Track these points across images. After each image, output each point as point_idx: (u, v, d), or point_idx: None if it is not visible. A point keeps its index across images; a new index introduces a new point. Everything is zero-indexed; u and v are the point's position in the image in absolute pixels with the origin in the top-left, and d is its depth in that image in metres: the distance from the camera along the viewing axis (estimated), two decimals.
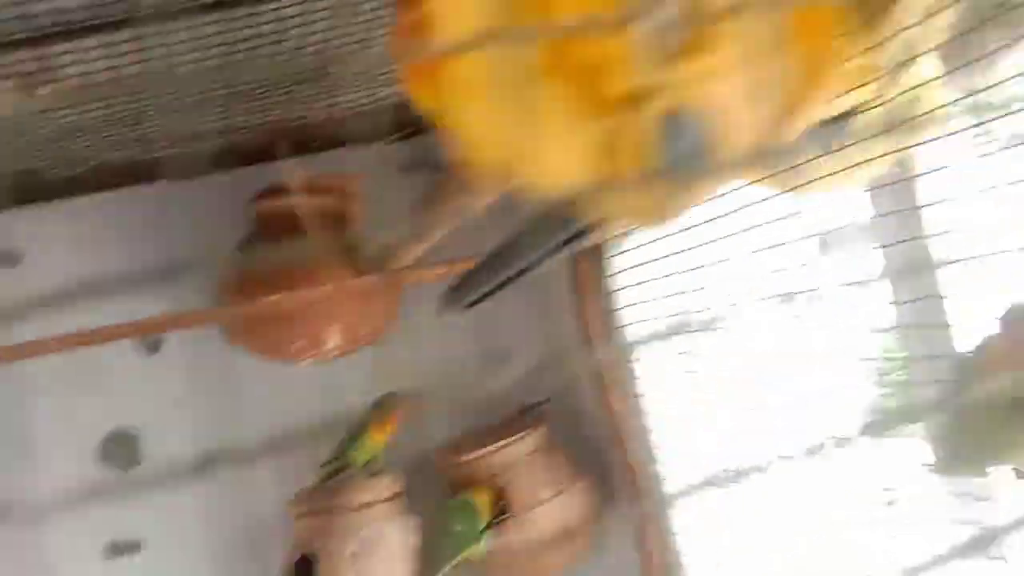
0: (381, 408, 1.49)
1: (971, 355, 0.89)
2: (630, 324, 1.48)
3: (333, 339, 1.42)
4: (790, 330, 1.20)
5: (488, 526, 1.50)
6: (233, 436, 1.59)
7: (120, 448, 1.57)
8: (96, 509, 1.52)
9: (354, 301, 1.41)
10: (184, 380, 1.59)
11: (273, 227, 1.43)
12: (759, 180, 1.20)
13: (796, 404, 1.22)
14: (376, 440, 1.48)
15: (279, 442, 1.57)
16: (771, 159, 0.28)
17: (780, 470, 1.28)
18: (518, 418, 1.65)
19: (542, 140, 0.31)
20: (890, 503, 1.14)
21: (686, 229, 1.30)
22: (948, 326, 1.12)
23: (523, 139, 0.30)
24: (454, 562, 1.46)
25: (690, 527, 1.46)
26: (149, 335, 1.53)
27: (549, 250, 0.48)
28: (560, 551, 1.55)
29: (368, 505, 1.48)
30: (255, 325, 1.43)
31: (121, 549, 1.54)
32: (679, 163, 0.31)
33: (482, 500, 1.52)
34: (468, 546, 1.47)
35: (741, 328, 1.26)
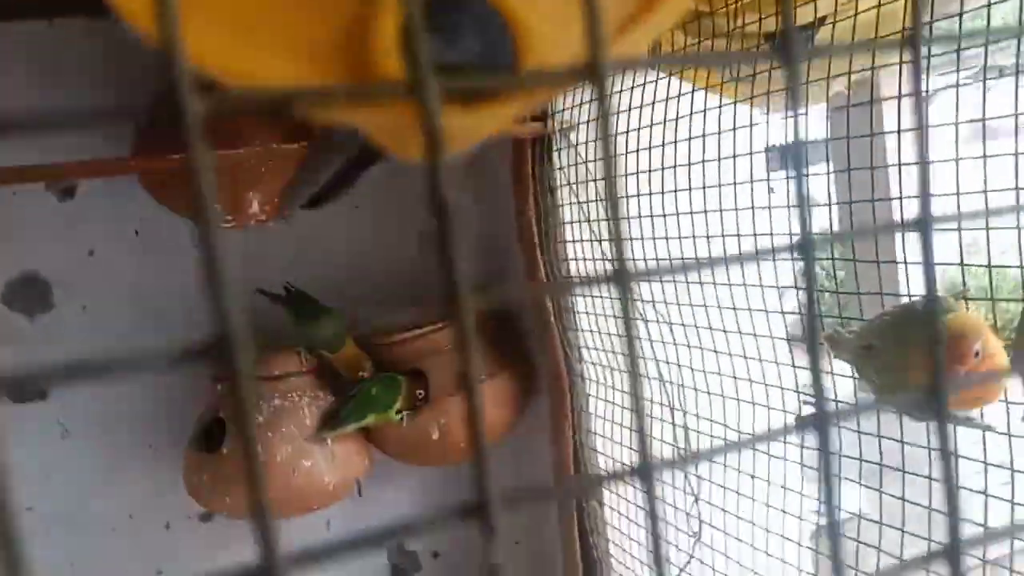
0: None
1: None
2: (568, 222, 1.43)
3: (254, 205, 1.35)
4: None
5: (405, 406, 1.50)
6: (147, 291, 1.54)
7: (29, 293, 1.51)
8: (2, 352, 1.47)
9: (278, 167, 1.33)
10: (98, 229, 1.52)
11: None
12: (716, 89, 1.13)
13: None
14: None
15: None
16: (597, 75, 0.19)
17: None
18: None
19: (254, 22, 0.22)
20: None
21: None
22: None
23: (225, 21, 0.22)
24: (361, 423, 1.46)
25: (606, 426, 1.45)
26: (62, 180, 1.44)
27: (348, 167, 0.40)
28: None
29: (282, 377, 1.45)
30: (172, 181, 1.35)
31: (28, 394, 1.50)
32: (459, 66, 0.23)
33: (404, 380, 1.50)
34: (378, 412, 1.46)
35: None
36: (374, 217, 1.64)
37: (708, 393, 1.23)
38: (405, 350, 1.51)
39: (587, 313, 1.42)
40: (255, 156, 1.27)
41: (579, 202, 1.36)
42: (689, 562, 1.32)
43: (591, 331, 1.42)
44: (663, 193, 1.18)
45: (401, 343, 1.51)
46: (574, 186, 1.35)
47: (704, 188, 1.12)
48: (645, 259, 1.28)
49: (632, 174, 1.25)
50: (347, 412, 1.47)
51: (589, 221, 1.35)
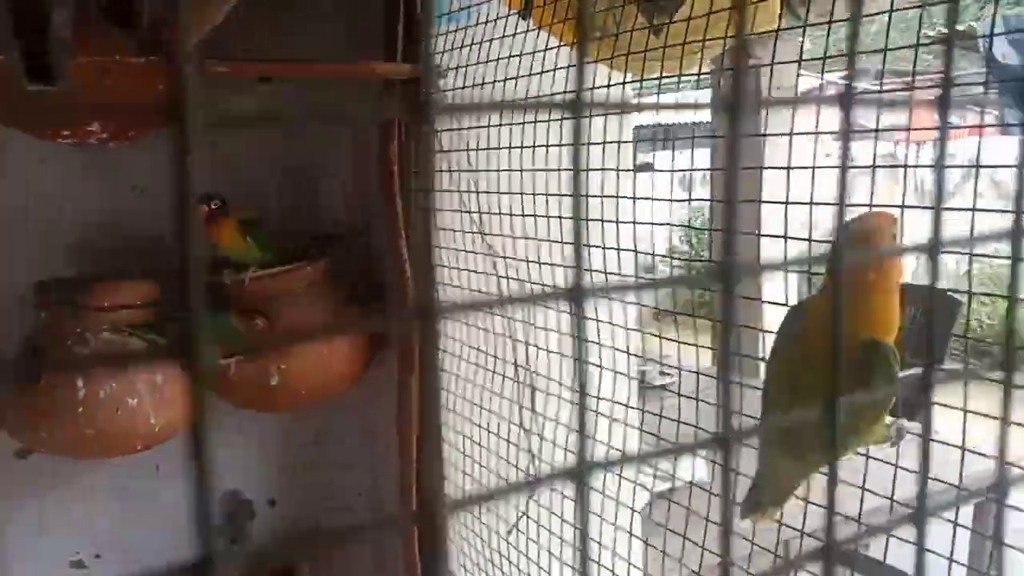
0: None
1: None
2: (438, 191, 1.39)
3: (96, 124, 1.25)
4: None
5: (240, 350, 1.43)
6: None
7: None
8: None
9: (121, 83, 1.23)
10: None
11: None
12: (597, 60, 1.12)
13: None
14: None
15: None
16: None
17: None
18: (304, 248, 1.55)
19: None
20: None
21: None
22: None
23: None
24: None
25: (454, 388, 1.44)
26: None
27: None
28: (323, 386, 1.50)
29: (114, 308, 1.36)
30: (6, 91, 1.23)
31: None
32: None
33: (239, 321, 1.43)
34: None
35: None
36: (237, 152, 1.56)
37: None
38: (252, 289, 1.44)
39: (446, 266, 1.40)
40: (95, 69, 1.17)
41: (443, 150, 1.33)
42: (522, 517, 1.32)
43: (448, 284, 1.40)
44: (522, 148, 1.17)
45: (252, 281, 1.44)
46: (440, 135, 1.32)
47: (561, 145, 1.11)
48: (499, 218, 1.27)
49: (495, 126, 1.23)
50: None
51: (450, 171, 1.32)
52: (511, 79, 1.21)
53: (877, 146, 0.90)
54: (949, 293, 2.56)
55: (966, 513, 1.81)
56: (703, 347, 1.04)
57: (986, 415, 0.69)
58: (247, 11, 1.05)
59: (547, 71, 1.14)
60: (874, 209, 0.76)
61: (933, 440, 0.77)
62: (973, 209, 0.72)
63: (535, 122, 1.15)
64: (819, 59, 1.00)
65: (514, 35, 1.21)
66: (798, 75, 1.07)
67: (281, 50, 1.39)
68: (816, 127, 0.87)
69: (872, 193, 0.79)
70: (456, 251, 1.36)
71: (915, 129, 0.80)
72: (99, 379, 1.32)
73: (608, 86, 1.10)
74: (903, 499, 0.77)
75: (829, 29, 0.93)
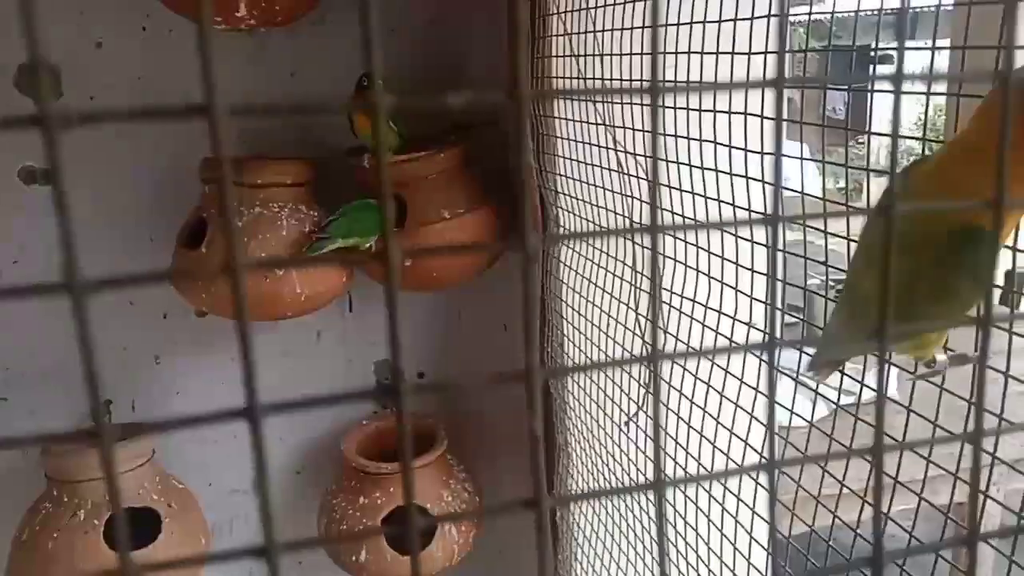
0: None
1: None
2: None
3: (242, 8, 1.34)
4: None
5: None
6: (151, 86, 1.57)
7: (37, 79, 1.56)
8: (11, 135, 1.54)
9: None
10: (109, 25, 1.56)
11: None
12: None
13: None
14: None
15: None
16: None
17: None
18: (439, 135, 1.60)
19: None
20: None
21: None
22: None
23: None
24: (334, 246, 1.49)
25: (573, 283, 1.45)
26: None
27: None
28: (445, 271, 1.56)
29: (265, 186, 1.48)
30: None
31: (35, 176, 1.58)
32: None
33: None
34: (362, 235, 1.50)
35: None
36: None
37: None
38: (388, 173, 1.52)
39: (569, 158, 1.39)
40: None
41: (568, 10, 1.30)
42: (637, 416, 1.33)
43: (569, 178, 1.40)
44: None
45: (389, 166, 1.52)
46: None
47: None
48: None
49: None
50: (335, 228, 1.49)
51: (572, 32, 1.29)
52: None
53: None
54: None
55: None
56: None
57: None
58: None
59: None
60: None
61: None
62: None
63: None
64: None
65: None
66: None
67: None
68: None
69: None
70: (580, 143, 1.34)
71: None
72: (251, 249, 1.46)
73: None
74: None
75: None
